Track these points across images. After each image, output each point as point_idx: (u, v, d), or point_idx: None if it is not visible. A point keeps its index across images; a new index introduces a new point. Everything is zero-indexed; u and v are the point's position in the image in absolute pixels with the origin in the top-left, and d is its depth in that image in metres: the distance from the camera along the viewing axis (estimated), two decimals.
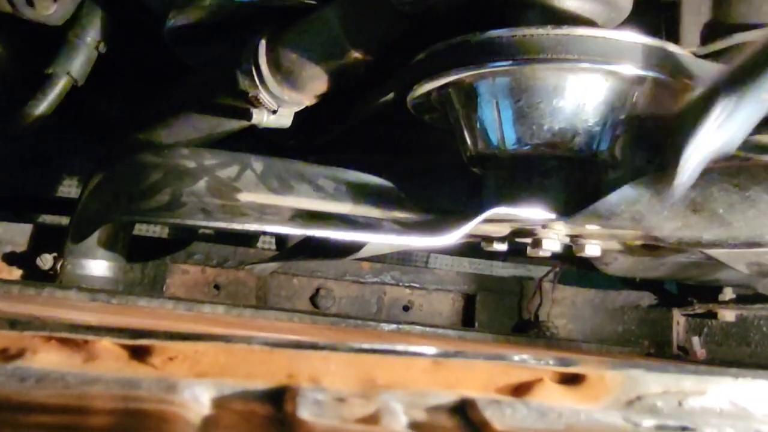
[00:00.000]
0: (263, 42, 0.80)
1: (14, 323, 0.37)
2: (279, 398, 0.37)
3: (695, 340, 1.20)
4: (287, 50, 0.79)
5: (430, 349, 0.44)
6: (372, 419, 0.37)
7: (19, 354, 0.37)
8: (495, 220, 0.71)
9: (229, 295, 1.10)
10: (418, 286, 1.19)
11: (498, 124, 0.71)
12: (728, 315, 1.17)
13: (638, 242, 0.78)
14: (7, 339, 0.37)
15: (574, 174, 0.71)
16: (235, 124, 0.91)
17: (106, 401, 0.32)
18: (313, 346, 0.41)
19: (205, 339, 0.39)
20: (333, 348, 0.41)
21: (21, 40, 1.01)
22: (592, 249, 0.76)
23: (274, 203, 0.67)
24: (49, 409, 0.30)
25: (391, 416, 0.37)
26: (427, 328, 0.97)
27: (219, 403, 0.36)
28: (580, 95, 0.68)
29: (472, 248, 1.23)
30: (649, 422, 0.42)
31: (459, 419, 0.39)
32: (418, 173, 1.02)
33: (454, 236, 0.64)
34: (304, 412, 0.36)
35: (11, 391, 0.33)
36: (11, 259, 1.00)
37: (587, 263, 1.06)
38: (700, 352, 1.18)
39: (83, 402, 0.32)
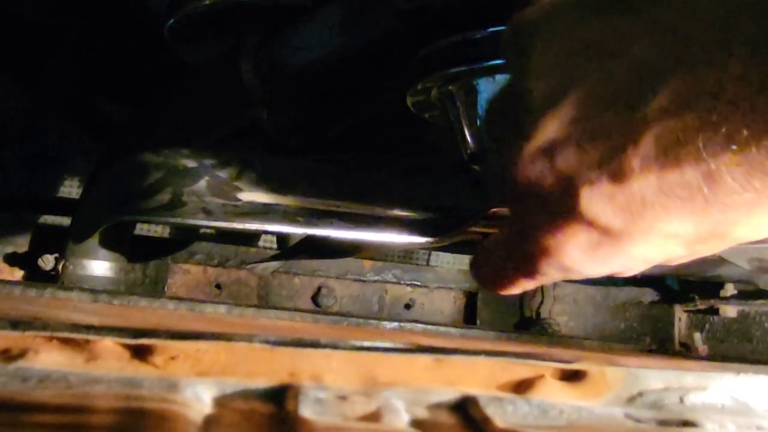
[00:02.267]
0: (263, 40, 0.80)
1: (16, 324, 0.37)
2: (280, 396, 0.37)
3: (697, 336, 1.20)
4: (287, 48, 0.79)
5: (430, 347, 0.44)
6: (374, 417, 0.37)
7: (21, 354, 0.37)
8: (496, 217, 0.71)
9: (230, 294, 1.10)
10: (419, 284, 1.19)
11: None
12: (730, 311, 1.17)
13: None
14: (10, 339, 0.37)
15: None
16: (235, 123, 0.91)
17: (108, 400, 0.32)
18: (315, 345, 0.41)
19: (207, 338, 0.39)
20: (334, 346, 0.42)
21: None
22: None
23: (275, 202, 0.68)
24: (52, 408, 0.30)
25: (392, 414, 0.37)
26: (429, 326, 0.97)
27: (221, 401, 0.36)
28: None
29: (474, 246, 1.23)
30: (650, 418, 0.42)
31: (460, 416, 0.39)
32: (418, 172, 1.02)
33: (456, 234, 0.64)
34: (306, 411, 0.36)
35: (14, 391, 0.33)
36: (12, 259, 1.00)
37: None
38: (702, 348, 1.18)
39: (85, 401, 0.32)
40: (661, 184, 0.33)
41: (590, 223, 0.36)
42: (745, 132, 0.30)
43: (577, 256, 0.38)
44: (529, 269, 0.41)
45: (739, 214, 0.33)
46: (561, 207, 0.36)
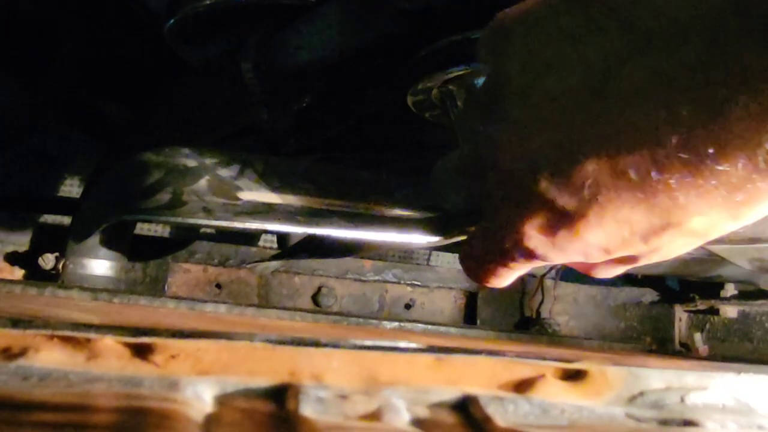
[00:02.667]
0: (263, 40, 0.80)
1: (17, 322, 0.37)
2: (281, 396, 0.37)
3: (697, 336, 1.20)
4: (287, 48, 0.79)
5: (431, 346, 0.44)
6: (374, 416, 0.37)
7: (22, 353, 0.37)
8: None
9: (230, 294, 1.10)
10: (419, 284, 1.19)
11: None
12: (730, 311, 1.17)
13: None
14: (10, 338, 0.37)
15: None
16: (236, 123, 0.91)
17: (108, 399, 0.32)
18: (315, 344, 0.41)
19: (208, 337, 0.39)
20: (335, 345, 0.41)
21: None
22: None
23: (275, 201, 0.67)
24: (52, 407, 0.30)
25: (393, 413, 0.37)
26: (429, 326, 0.97)
27: (221, 400, 0.36)
28: None
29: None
30: (651, 418, 0.42)
31: (461, 415, 0.39)
32: (419, 171, 1.02)
33: (457, 233, 0.64)
34: (307, 410, 0.36)
35: (14, 389, 0.33)
36: (13, 258, 1.00)
37: None
38: (703, 348, 1.18)
39: (86, 400, 0.32)
40: (612, 168, 0.34)
41: (549, 205, 0.38)
42: (693, 118, 0.31)
43: (538, 239, 0.40)
44: (501, 255, 0.43)
45: (688, 202, 0.34)
46: (525, 189, 0.38)
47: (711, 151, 0.31)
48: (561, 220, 0.38)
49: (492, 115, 0.40)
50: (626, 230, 0.37)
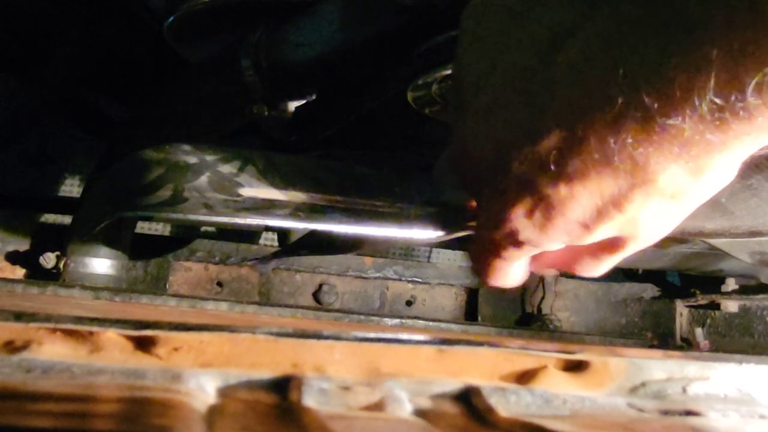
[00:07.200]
0: (263, 37, 0.80)
1: (19, 315, 0.37)
2: (284, 387, 0.37)
3: (698, 331, 1.20)
4: (287, 44, 0.79)
5: (433, 338, 0.44)
6: (377, 407, 0.37)
7: (25, 346, 0.37)
8: None
9: (232, 291, 1.10)
10: (420, 280, 1.19)
11: None
12: (731, 306, 1.17)
13: None
14: (13, 331, 0.37)
15: None
16: (236, 120, 0.91)
17: (111, 390, 0.32)
18: (318, 336, 0.41)
19: (210, 329, 0.39)
20: (337, 337, 0.42)
21: None
22: None
23: (276, 197, 0.67)
24: (56, 397, 0.30)
25: (396, 404, 0.37)
26: (430, 322, 0.97)
27: (224, 392, 0.36)
28: None
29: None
30: (653, 408, 0.42)
31: (464, 406, 0.39)
32: (420, 167, 1.02)
33: (458, 229, 0.64)
34: (309, 401, 0.36)
35: (17, 382, 0.33)
36: (14, 258, 1.00)
37: None
38: (704, 343, 1.18)
39: (89, 391, 0.32)
40: (572, 136, 0.34)
41: (524, 186, 0.38)
42: (637, 75, 0.31)
43: (520, 223, 0.39)
44: (493, 246, 0.43)
45: (647, 160, 0.34)
46: (499, 174, 0.38)
47: (656, 106, 0.31)
48: (538, 200, 0.38)
49: (459, 106, 0.40)
50: (598, 198, 0.36)
